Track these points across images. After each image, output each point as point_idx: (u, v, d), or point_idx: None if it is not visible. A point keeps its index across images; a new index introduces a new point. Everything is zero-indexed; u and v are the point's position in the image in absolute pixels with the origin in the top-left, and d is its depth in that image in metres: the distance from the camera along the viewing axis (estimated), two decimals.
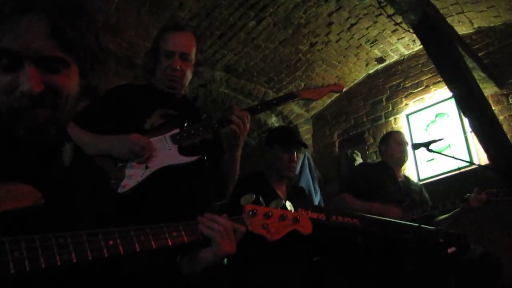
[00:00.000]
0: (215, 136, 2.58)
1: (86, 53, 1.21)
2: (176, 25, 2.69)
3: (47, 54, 1.13)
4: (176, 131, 2.37)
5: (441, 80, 5.20)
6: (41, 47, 1.12)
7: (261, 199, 1.63)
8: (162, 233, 1.27)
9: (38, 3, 1.14)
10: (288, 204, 1.72)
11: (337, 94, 6.96)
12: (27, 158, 1.18)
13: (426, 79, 6.18)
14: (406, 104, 6.31)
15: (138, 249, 1.18)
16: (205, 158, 2.39)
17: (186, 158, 2.30)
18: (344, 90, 6.94)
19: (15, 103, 1.11)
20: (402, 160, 4.18)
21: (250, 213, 1.57)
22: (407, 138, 4.50)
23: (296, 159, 3.35)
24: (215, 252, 1.42)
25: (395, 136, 4.31)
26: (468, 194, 3.57)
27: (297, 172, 6.39)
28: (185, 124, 2.42)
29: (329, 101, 7.18)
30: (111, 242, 1.13)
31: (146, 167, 2.20)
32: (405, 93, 6.37)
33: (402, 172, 4.25)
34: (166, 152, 2.28)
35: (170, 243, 1.28)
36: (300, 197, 3.53)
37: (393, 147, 4.18)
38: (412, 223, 2.71)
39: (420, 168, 5.83)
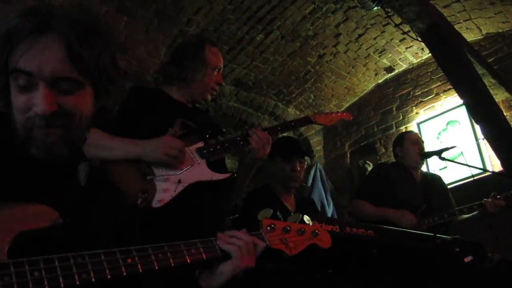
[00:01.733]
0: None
1: (101, 75, 1.22)
2: (213, 40, 2.80)
3: (60, 75, 1.14)
4: (200, 144, 2.35)
5: (451, 87, 5.19)
6: (56, 68, 1.14)
7: (278, 213, 1.62)
8: (180, 250, 1.27)
9: (55, 25, 1.15)
10: (306, 218, 1.71)
11: (348, 104, 6.98)
12: (44, 178, 1.19)
13: (436, 87, 6.16)
14: (417, 113, 6.29)
15: (156, 267, 1.18)
16: (235, 175, 2.36)
17: (218, 175, 2.28)
18: (353, 100, 6.99)
19: (29, 123, 1.13)
20: (420, 161, 4.02)
21: (268, 228, 1.57)
22: None
23: (299, 168, 3.31)
24: (235, 266, 1.42)
25: (409, 136, 4.15)
26: (484, 199, 3.51)
27: (309, 184, 6.38)
28: (207, 136, 2.42)
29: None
30: (129, 261, 1.13)
31: (179, 181, 2.14)
32: (415, 102, 6.35)
33: (420, 171, 4.10)
34: (196, 166, 2.25)
35: (188, 261, 1.28)
36: (310, 208, 3.49)
37: (409, 148, 4.02)
38: (427, 233, 2.69)
39: None
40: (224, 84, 2.67)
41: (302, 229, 1.63)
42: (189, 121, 2.47)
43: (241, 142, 2.42)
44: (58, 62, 1.14)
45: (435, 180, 4.10)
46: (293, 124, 2.77)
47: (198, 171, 2.24)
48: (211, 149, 2.34)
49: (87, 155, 2.23)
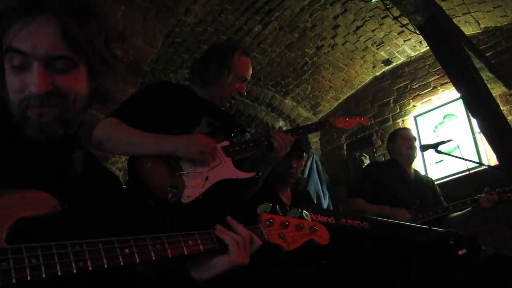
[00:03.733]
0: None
1: (95, 54, 1.22)
2: (246, 49, 2.75)
3: (55, 53, 1.15)
4: (226, 143, 2.40)
5: (449, 81, 5.18)
6: (50, 47, 1.14)
7: (278, 208, 1.62)
8: (178, 241, 1.27)
9: (48, 4, 1.15)
10: (305, 214, 1.71)
11: (345, 96, 6.99)
12: (42, 165, 1.19)
13: (433, 80, 6.16)
14: (414, 106, 6.29)
15: (154, 258, 1.18)
16: (259, 174, 2.40)
17: (244, 173, 2.33)
18: (351, 93, 6.99)
19: (24, 103, 1.13)
20: (411, 156, 4.10)
21: (267, 222, 1.56)
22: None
23: (295, 165, 3.33)
24: (230, 260, 1.40)
25: (401, 133, 4.26)
26: (478, 195, 3.54)
27: (305, 175, 6.39)
28: (232, 135, 2.48)
29: (336, 104, 7.18)
30: (126, 250, 1.12)
31: (207, 178, 2.19)
32: (413, 95, 6.35)
33: (413, 169, 4.18)
34: (222, 165, 2.30)
35: (186, 252, 1.27)
36: (306, 201, 3.51)
37: (400, 143, 4.11)
38: (422, 226, 2.70)
39: (429, 169, 5.80)
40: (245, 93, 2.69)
41: (301, 225, 1.62)
42: (213, 119, 2.51)
43: (266, 143, 2.46)
44: (53, 41, 1.14)
45: (428, 182, 4.15)
46: (314, 127, 2.81)
47: (225, 169, 2.29)
48: (237, 148, 2.39)
49: (115, 152, 2.25)
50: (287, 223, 1.59)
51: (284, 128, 2.69)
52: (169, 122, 2.33)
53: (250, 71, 2.67)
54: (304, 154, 3.48)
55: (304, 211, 1.71)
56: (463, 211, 3.66)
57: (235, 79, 2.57)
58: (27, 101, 1.13)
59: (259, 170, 2.46)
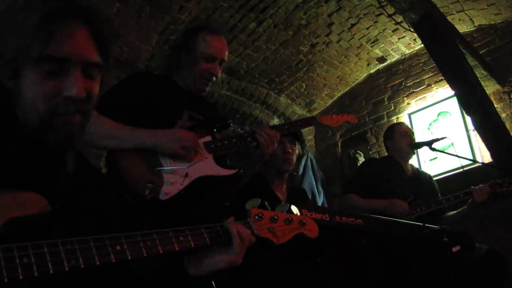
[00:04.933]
0: None
1: (109, 61, 1.24)
2: (214, 27, 2.64)
3: (91, 60, 1.17)
4: (208, 138, 2.34)
5: (443, 78, 5.19)
6: (88, 54, 1.17)
7: (266, 203, 1.63)
8: (169, 238, 1.27)
9: (79, 12, 1.16)
10: (294, 208, 1.71)
11: (340, 94, 7.00)
12: (34, 166, 1.18)
13: (427, 78, 6.18)
14: (408, 103, 6.31)
15: (145, 254, 1.18)
16: (242, 172, 2.35)
17: (226, 170, 2.27)
18: (345, 90, 6.99)
19: (60, 108, 1.14)
20: (411, 152, 4.05)
21: (256, 217, 1.57)
22: None
23: (290, 150, 3.32)
24: (231, 261, 1.40)
25: (399, 128, 4.18)
26: (472, 187, 3.51)
27: (300, 173, 6.40)
28: (215, 130, 2.41)
29: (331, 101, 7.18)
30: (118, 248, 1.13)
31: (186, 175, 2.14)
32: (407, 92, 6.36)
33: (410, 165, 4.13)
34: (203, 161, 2.25)
35: (177, 248, 1.27)
36: (301, 198, 3.50)
37: (400, 140, 4.04)
38: (416, 223, 2.70)
39: (423, 167, 5.82)
40: (219, 75, 2.57)
41: (290, 219, 1.64)
42: (196, 112, 2.46)
43: (248, 139, 2.41)
44: (88, 47, 1.17)
45: (426, 178, 4.13)
46: (299, 123, 2.78)
47: (206, 166, 2.24)
48: (219, 144, 2.34)
49: (95, 146, 2.22)
50: (276, 217, 1.60)
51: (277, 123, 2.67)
52: (150, 115, 2.28)
53: (221, 50, 2.54)
54: (297, 142, 3.47)
55: (292, 205, 1.72)
56: (458, 210, 3.66)
57: (202, 60, 2.48)
58: (64, 107, 1.14)
59: (243, 167, 2.42)
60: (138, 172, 2.06)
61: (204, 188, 2.21)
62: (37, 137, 1.15)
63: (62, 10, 1.14)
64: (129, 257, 1.14)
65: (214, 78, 2.54)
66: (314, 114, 2.95)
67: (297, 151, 3.47)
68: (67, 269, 1.00)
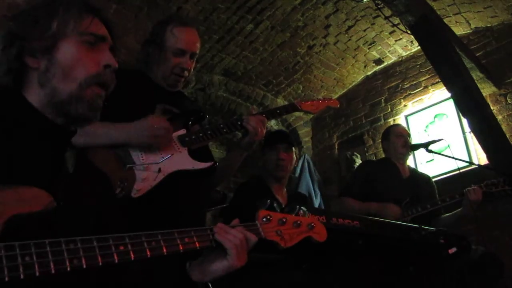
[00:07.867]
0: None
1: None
2: (183, 19, 2.55)
3: (113, 42, 1.42)
4: (182, 132, 2.27)
5: (440, 81, 5.20)
6: (111, 40, 1.41)
7: (275, 205, 1.60)
8: (174, 239, 1.26)
9: (98, 10, 1.41)
10: (303, 211, 1.69)
11: (336, 96, 7.00)
12: (39, 160, 1.19)
13: (424, 80, 6.18)
14: (405, 105, 6.31)
15: (149, 255, 1.17)
16: (216, 164, 2.26)
17: (200, 164, 2.19)
18: (342, 92, 6.98)
19: (104, 77, 1.34)
20: (406, 153, 4.08)
21: (264, 219, 1.54)
22: None
23: (284, 157, 3.33)
24: (230, 266, 1.40)
25: (394, 130, 4.23)
26: (467, 188, 3.51)
27: (297, 175, 6.39)
28: (190, 123, 2.33)
29: None
30: (121, 248, 1.12)
31: (159, 170, 2.06)
32: (404, 94, 6.36)
33: (407, 166, 4.16)
34: (176, 155, 2.17)
35: (181, 249, 1.26)
36: (301, 203, 3.51)
37: (394, 141, 4.09)
38: (413, 224, 2.71)
39: (419, 168, 5.81)
40: (193, 70, 2.48)
41: (298, 222, 1.61)
42: (172, 106, 2.38)
43: (225, 130, 2.34)
44: (111, 31, 1.42)
45: (424, 179, 4.13)
46: (278, 111, 2.65)
47: (179, 160, 2.16)
48: (193, 137, 2.26)
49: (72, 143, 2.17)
50: (284, 220, 1.58)
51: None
52: (121, 112, 2.14)
53: (192, 43, 2.44)
54: (294, 148, 3.48)
55: (302, 208, 1.70)
56: (454, 212, 3.67)
57: (171, 55, 2.40)
58: (106, 76, 1.34)
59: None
60: (110, 169, 1.94)
61: (179, 183, 2.13)
62: (62, 109, 1.25)
63: (90, 5, 1.38)
64: (133, 258, 1.13)
65: (186, 73, 2.46)
66: (294, 101, 2.81)
67: (295, 158, 3.48)
68: (69, 269, 1.00)
